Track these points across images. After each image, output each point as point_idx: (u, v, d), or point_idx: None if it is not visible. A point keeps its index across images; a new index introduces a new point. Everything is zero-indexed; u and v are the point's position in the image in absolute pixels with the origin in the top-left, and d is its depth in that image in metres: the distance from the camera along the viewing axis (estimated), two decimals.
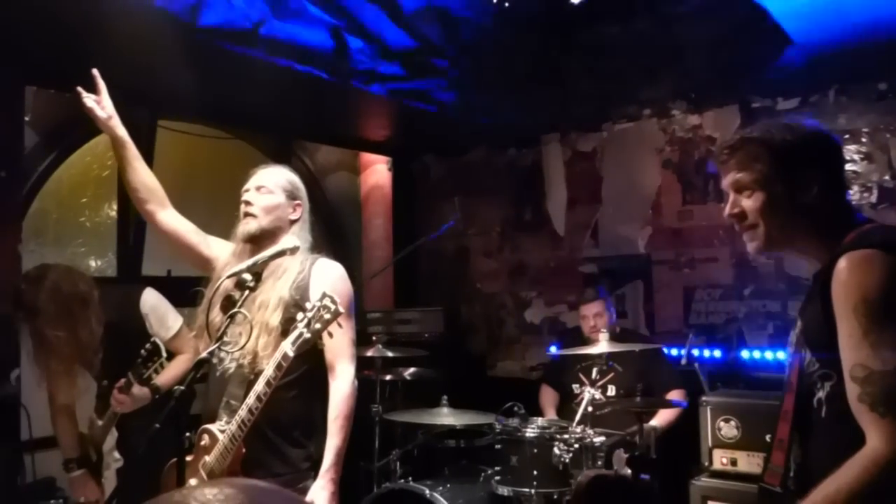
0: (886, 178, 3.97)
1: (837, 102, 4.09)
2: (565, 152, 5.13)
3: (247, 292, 2.16)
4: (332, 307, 2.07)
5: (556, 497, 3.31)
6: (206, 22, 3.07)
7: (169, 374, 2.94)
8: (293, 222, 2.50)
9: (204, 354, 2.06)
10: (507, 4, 3.23)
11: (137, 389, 2.85)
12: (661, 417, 3.81)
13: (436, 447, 3.96)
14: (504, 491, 3.41)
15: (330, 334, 2.14)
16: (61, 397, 3.03)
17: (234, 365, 2.32)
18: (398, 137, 5.33)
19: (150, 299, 3.05)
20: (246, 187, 2.49)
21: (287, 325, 2.20)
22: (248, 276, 2.15)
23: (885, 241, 1.51)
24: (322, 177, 5.64)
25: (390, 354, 4.05)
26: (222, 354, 2.30)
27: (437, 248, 5.47)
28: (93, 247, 4.63)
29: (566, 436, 3.35)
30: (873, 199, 3.99)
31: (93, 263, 4.61)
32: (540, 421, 3.64)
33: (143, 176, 2.50)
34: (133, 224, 4.28)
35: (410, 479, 3.70)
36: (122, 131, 2.43)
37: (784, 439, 1.68)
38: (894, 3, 3.15)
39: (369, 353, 3.97)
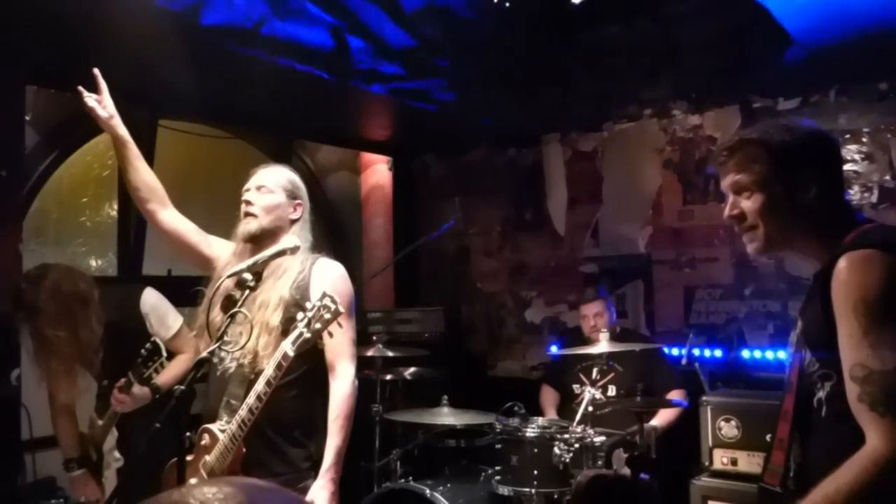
0: (887, 178, 3.96)
1: (838, 102, 4.09)
2: (566, 152, 5.13)
3: (247, 292, 2.16)
4: (333, 307, 2.07)
5: (556, 497, 3.31)
6: (206, 21, 3.07)
7: (169, 373, 2.95)
8: (294, 222, 2.50)
9: (204, 354, 2.06)
10: (507, 4, 3.23)
11: (138, 389, 2.85)
12: (662, 417, 3.80)
13: (436, 447, 3.96)
14: (504, 491, 3.41)
15: (330, 334, 2.14)
16: (62, 397, 3.03)
17: (234, 364, 2.32)
18: (399, 137, 5.33)
19: (151, 299, 3.05)
20: (246, 187, 2.49)
21: (287, 325, 2.20)
22: (248, 276, 2.15)
23: (885, 241, 1.51)
24: (322, 176, 5.64)
25: (391, 354, 4.05)
26: (223, 354, 2.31)
27: (438, 247, 5.47)
28: (93, 246, 4.63)
29: (566, 435, 3.35)
30: (874, 199, 3.99)
31: (93, 263, 4.61)
32: (540, 421, 3.64)
33: (144, 175, 2.50)
34: (134, 224, 4.28)
35: (411, 478, 3.70)
36: (123, 131, 2.43)
37: (784, 439, 1.68)
38: (894, 3, 3.15)
39: (370, 353, 3.97)
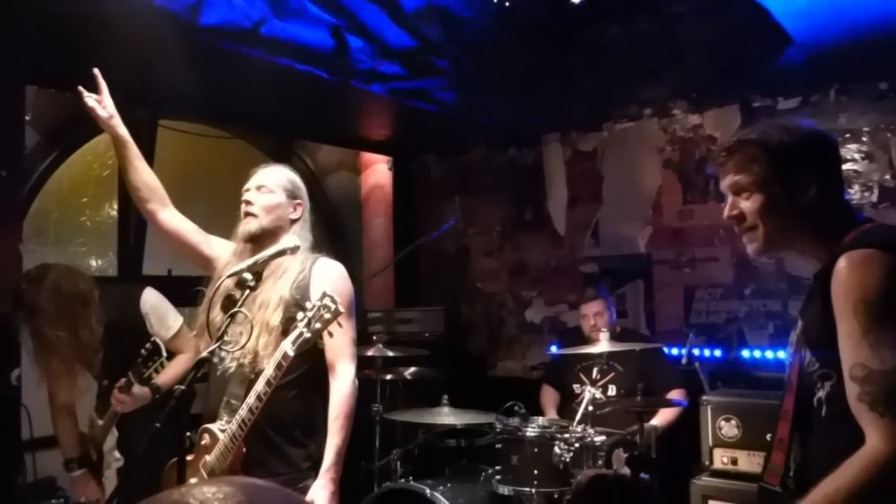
0: (887, 177, 3.96)
1: (838, 102, 4.09)
2: (566, 152, 5.13)
3: (247, 292, 2.16)
4: (333, 307, 2.07)
5: (556, 496, 3.31)
6: (206, 21, 3.07)
7: (169, 373, 2.95)
8: (294, 222, 2.50)
9: (204, 354, 2.06)
10: (507, 4, 3.24)
11: (138, 389, 2.85)
12: (662, 417, 3.80)
13: (436, 447, 3.95)
14: (505, 490, 3.41)
15: (330, 334, 2.14)
16: (62, 397, 3.03)
17: (234, 364, 2.32)
18: (399, 137, 5.33)
19: (151, 299, 3.05)
20: (246, 187, 2.49)
21: (287, 325, 2.20)
22: (248, 276, 2.15)
23: (885, 241, 1.51)
24: (323, 176, 5.64)
25: (391, 354, 4.05)
26: (223, 354, 2.31)
27: (438, 247, 5.47)
28: (93, 246, 4.63)
29: (567, 435, 3.34)
30: (874, 198, 3.99)
31: (93, 263, 4.61)
32: (540, 420, 3.64)
33: (144, 175, 2.50)
34: (134, 223, 4.28)
35: (411, 478, 3.70)
36: (123, 131, 2.43)
37: (784, 439, 1.68)
38: (894, 3, 3.15)
39: (370, 353, 3.97)
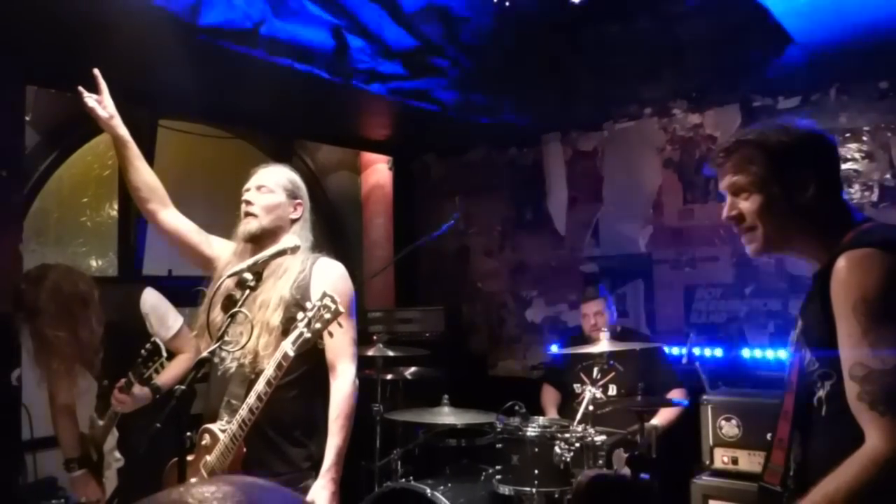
0: (888, 176, 3.96)
1: (838, 101, 4.09)
2: (566, 151, 5.13)
3: (248, 291, 2.16)
4: (333, 306, 2.07)
5: (557, 496, 3.31)
6: (206, 21, 3.06)
7: (169, 373, 2.95)
8: (294, 221, 2.50)
9: (205, 354, 2.06)
10: (507, 4, 3.23)
11: (138, 389, 2.85)
12: (662, 416, 3.80)
13: (437, 446, 3.96)
14: (505, 490, 3.41)
15: (330, 334, 2.14)
16: (62, 397, 3.03)
17: (234, 364, 2.32)
18: (399, 137, 5.33)
19: (151, 299, 3.05)
20: (247, 186, 2.49)
21: (288, 325, 2.20)
22: (248, 276, 2.15)
23: (884, 240, 1.51)
24: (323, 176, 5.64)
25: (391, 354, 4.05)
26: (223, 354, 2.31)
27: (438, 247, 5.47)
28: (94, 246, 4.64)
29: (567, 435, 3.35)
30: (874, 197, 3.99)
31: (93, 263, 4.62)
32: (541, 420, 3.65)
33: (144, 175, 2.50)
34: (134, 224, 4.29)
35: (411, 478, 3.70)
36: (123, 131, 2.43)
37: (784, 438, 1.68)
38: (894, 3, 3.15)
39: (370, 353, 3.97)
